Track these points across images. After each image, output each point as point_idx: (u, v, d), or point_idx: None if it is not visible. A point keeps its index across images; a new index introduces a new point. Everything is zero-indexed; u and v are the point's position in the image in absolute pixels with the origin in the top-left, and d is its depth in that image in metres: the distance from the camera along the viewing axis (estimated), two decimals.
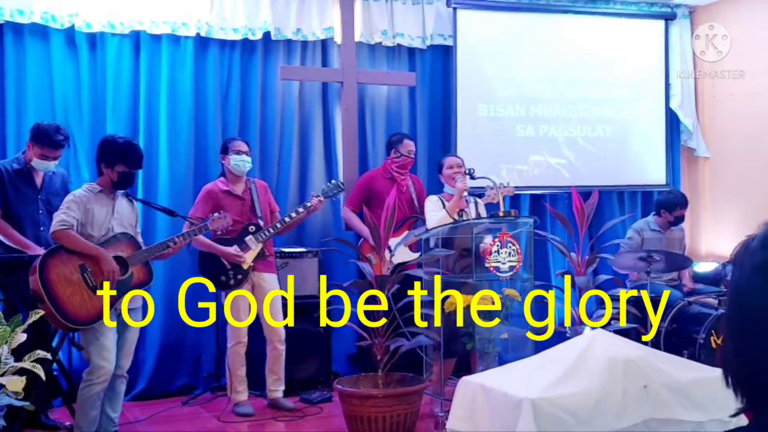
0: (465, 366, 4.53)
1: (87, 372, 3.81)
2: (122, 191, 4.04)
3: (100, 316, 3.75)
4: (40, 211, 4.41)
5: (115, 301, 3.82)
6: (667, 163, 6.81)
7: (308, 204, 4.84)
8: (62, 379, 4.62)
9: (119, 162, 3.91)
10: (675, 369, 3.28)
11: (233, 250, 4.70)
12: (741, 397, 1.12)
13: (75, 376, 4.69)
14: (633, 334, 4.73)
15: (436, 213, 4.75)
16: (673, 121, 6.82)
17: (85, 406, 3.79)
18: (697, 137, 6.83)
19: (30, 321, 2.71)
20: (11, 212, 4.35)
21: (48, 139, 4.29)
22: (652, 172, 6.79)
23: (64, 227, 3.76)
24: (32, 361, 2.65)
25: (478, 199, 4.98)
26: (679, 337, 5.29)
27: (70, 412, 4.31)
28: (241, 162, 4.81)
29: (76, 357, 5.02)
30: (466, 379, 3.25)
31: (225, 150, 4.87)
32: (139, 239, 4.12)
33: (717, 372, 3.28)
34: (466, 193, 4.77)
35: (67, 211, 3.80)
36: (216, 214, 4.34)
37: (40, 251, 4.13)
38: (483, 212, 4.87)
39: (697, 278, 6.11)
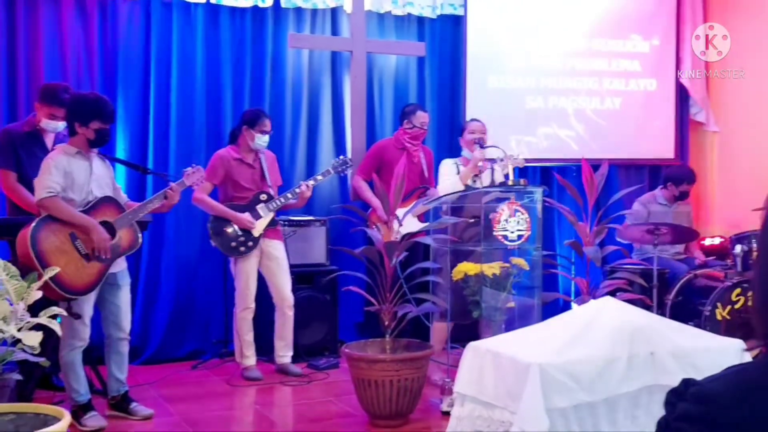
0: (473, 335, 4.56)
1: (65, 337, 3.74)
2: (97, 151, 3.93)
3: (97, 284, 3.73)
4: None
5: (106, 269, 3.79)
6: (676, 137, 6.80)
7: (296, 190, 4.84)
8: None
9: (94, 118, 3.77)
10: (681, 336, 3.30)
11: (246, 216, 4.73)
12: (764, 334, 1.16)
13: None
14: (639, 305, 4.75)
15: (448, 178, 4.75)
16: (682, 95, 6.79)
17: (72, 368, 3.79)
18: (707, 111, 6.80)
19: (46, 277, 2.73)
20: (23, 174, 4.37)
21: (55, 97, 4.28)
22: (661, 146, 6.78)
23: (52, 194, 3.64)
24: (48, 317, 2.68)
25: (496, 166, 4.94)
26: (685, 310, 5.32)
27: None
28: (264, 142, 4.86)
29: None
30: (474, 344, 3.28)
31: (252, 124, 4.83)
32: (122, 196, 4.05)
33: (723, 340, 3.33)
34: (481, 163, 4.78)
35: (49, 176, 3.66)
36: (190, 168, 4.22)
37: None
38: (500, 177, 4.81)
39: (704, 252, 6.13)
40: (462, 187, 4.65)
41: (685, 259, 5.94)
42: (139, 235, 3.99)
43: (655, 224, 5.26)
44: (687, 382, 1.26)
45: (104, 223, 3.81)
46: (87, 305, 3.77)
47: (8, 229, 4.12)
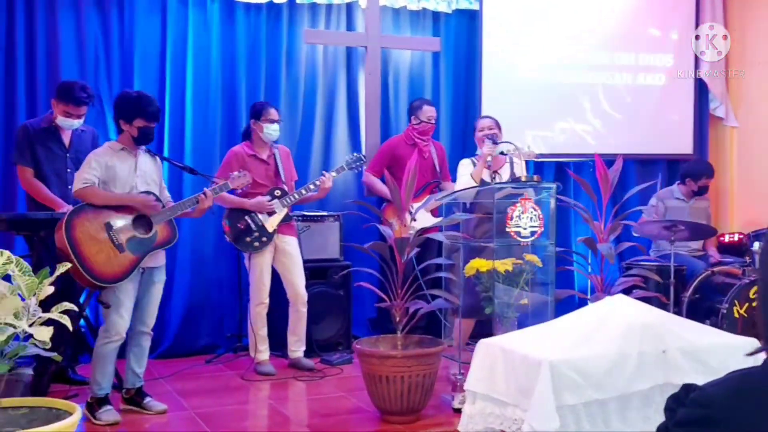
0: (487, 332, 4.56)
1: (104, 329, 3.85)
2: (145, 148, 4.03)
3: (125, 275, 3.79)
4: (68, 169, 4.46)
5: (138, 262, 3.85)
6: (695, 132, 6.72)
7: (317, 182, 4.87)
8: (89, 335, 4.74)
9: (137, 116, 3.87)
10: (693, 334, 3.27)
11: (262, 198, 4.74)
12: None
13: None
14: (655, 302, 4.71)
15: (464, 177, 4.74)
16: (701, 90, 6.72)
17: (103, 362, 3.84)
18: (726, 106, 6.72)
19: (57, 273, 2.76)
20: (40, 170, 4.42)
21: (71, 96, 4.33)
22: (679, 141, 6.71)
23: (87, 185, 3.76)
24: (60, 312, 2.70)
25: (516, 160, 4.89)
26: (702, 307, 5.27)
27: None
28: (273, 131, 4.86)
29: (102, 314, 5.13)
30: (485, 341, 3.27)
31: (258, 115, 4.87)
32: (165, 194, 4.12)
33: (735, 338, 3.30)
34: (490, 158, 4.75)
35: (88, 170, 3.79)
36: (236, 173, 4.35)
37: (69, 208, 4.20)
38: (520, 171, 4.77)
39: (722, 249, 6.07)
40: (475, 184, 4.63)
41: (702, 255, 5.88)
42: (176, 231, 4.05)
43: (672, 221, 5.21)
44: (687, 388, 1.25)
45: (141, 217, 3.89)
46: (124, 296, 3.83)
47: (26, 224, 4.17)
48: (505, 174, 4.82)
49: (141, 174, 3.95)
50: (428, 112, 5.39)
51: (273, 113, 4.88)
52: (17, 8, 5.01)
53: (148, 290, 3.99)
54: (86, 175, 3.78)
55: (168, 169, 5.13)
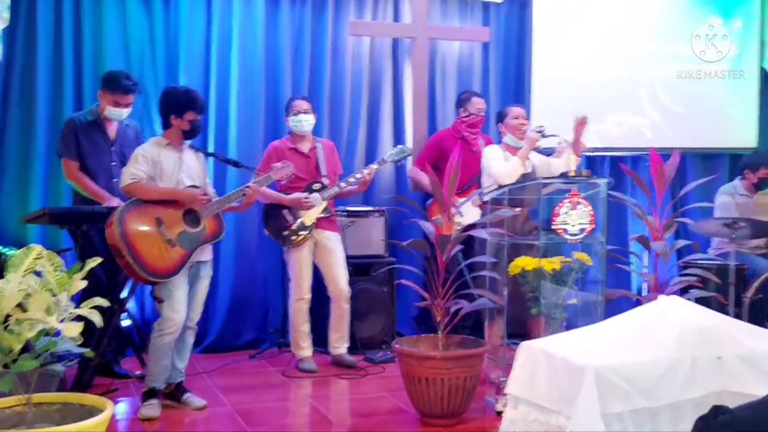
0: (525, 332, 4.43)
1: (158, 323, 3.86)
2: (188, 143, 4.02)
3: (178, 269, 3.79)
4: (113, 162, 4.47)
5: (188, 256, 3.84)
6: (760, 125, 6.41)
7: (358, 176, 4.78)
8: (134, 329, 4.76)
9: (188, 109, 3.88)
10: (752, 339, 3.07)
11: (300, 194, 4.68)
12: None
13: (146, 327, 4.82)
14: (713, 303, 4.49)
15: (501, 161, 4.57)
16: (766, 80, 6.40)
17: (157, 355, 3.86)
18: None
19: (88, 269, 2.73)
20: (86, 163, 4.44)
21: (118, 84, 4.34)
22: (742, 134, 6.41)
23: (135, 180, 3.77)
24: (90, 308, 2.68)
25: (564, 154, 4.72)
26: (765, 309, 5.02)
27: (140, 363, 4.44)
28: (298, 123, 4.79)
29: (149, 309, 5.16)
30: (527, 344, 3.13)
31: (286, 111, 4.88)
32: (210, 189, 4.11)
33: None
34: (538, 142, 4.60)
35: (135, 165, 3.80)
36: (279, 164, 4.31)
37: (115, 202, 4.21)
38: (567, 166, 4.61)
39: None
40: (523, 170, 4.48)
41: (766, 253, 5.59)
42: (224, 224, 4.04)
43: (733, 218, 4.95)
44: (717, 410, 1.12)
45: (190, 211, 3.89)
46: (177, 291, 3.83)
47: (69, 218, 4.20)
48: (562, 166, 4.64)
49: (186, 169, 3.95)
50: (477, 104, 5.25)
51: (298, 104, 4.82)
52: (65, 3, 5.05)
53: (194, 285, 3.98)
54: (134, 171, 3.79)
55: (213, 165, 5.13)
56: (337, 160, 5.03)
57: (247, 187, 4.06)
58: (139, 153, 3.86)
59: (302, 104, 4.83)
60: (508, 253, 4.00)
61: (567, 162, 4.43)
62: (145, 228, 3.75)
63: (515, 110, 4.78)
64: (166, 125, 3.96)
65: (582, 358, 2.85)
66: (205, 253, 4.00)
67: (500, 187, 4.27)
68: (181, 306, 3.85)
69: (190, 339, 4.05)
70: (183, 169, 3.93)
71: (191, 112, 3.90)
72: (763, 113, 6.43)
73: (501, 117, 4.83)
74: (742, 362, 2.94)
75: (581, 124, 4.59)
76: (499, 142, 4.87)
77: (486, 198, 4.31)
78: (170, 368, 3.95)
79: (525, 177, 4.50)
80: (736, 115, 6.37)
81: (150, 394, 3.88)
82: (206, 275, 4.04)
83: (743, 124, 6.39)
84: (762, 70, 6.36)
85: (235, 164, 4.35)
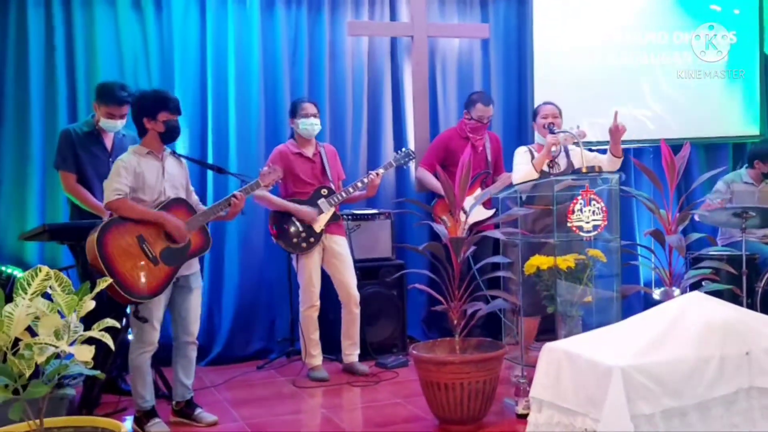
0: (550, 328, 4.35)
1: (135, 341, 3.71)
2: (169, 150, 3.86)
3: (163, 288, 3.65)
4: None
5: (174, 273, 3.70)
6: (762, 113, 6.35)
7: (365, 180, 4.70)
8: None
9: (160, 110, 3.70)
10: None
11: (307, 208, 4.59)
12: None
13: None
14: (727, 295, 4.42)
15: (522, 166, 4.50)
16: None
17: (141, 374, 3.72)
18: None
19: (98, 289, 2.64)
20: (84, 175, 4.34)
21: (112, 95, 4.23)
22: (745, 123, 6.36)
23: (120, 196, 3.59)
24: (101, 330, 2.58)
25: (575, 147, 4.63)
26: None
27: None
28: (309, 126, 4.68)
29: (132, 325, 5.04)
30: (550, 346, 3.06)
31: (293, 113, 4.73)
32: (194, 198, 3.97)
33: None
34: (554, 148, 4.51)
35: (118, 179, 3.60)
36: (266, 168, 4.16)
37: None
38: (579, 162, 4.51)
39: None
40: (536, 175, 4.39)
41: None
42: (210, 237, 3.90)
43: (743, 207, 4.88)
44: None
45: None
46: (156, 309, 3.70)
47: (69, 234, 4.09)
48: (562, 163, 4.58)
49: (170, 178, 3.79)
50: (480, 111, 5.16)
51: (307, 107, 4.70)
52: (55, 13, 4.94)
53: (186, 298, 3.84)
54: (117, 185, 3.61)
55: (201, 171, 5.01)
56: (339, 164, 4.94)
57: (234, 196, 3.92)
58: (120, 165, 3.65)
59: (311, 107, 4.72)
60: (523, 251, 3.92)
61: (581, 157, 4.32)
62: (126, 247, 3.58)
63: (545, 109, 4.68)
64: (142, 132, 3.78)
65: (608, 358, 2.78)
66: (191, 266, 3.85)
67: (511, 186, 4.19)
68: (158, 323, 3.71)
69: (193, 354, 3.94)
70: (166, 178, 3.77)
71: (164, 112, 3.71)
72: (766, 100, 6.37)
73: (534, 115, 4.76)
74: None
75: (619, 130, 4.51)
76: (531, 141, 4.79)
77: (501, 196, 4.23)
78: (153, 385, 3.84)
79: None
80: (738, 103, 6.32)
81: (149, 415, 3.75)
82: (197, 287, 3.90)
83: (746, 113, 6.34)
84: (763, 56, 6.30)
85: (219, 170, 4.25)
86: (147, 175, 3.70)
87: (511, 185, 4.21)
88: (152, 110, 3.72)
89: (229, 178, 4.79)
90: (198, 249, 3.83)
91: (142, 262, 3.61)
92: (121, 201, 3.61)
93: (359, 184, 4.71)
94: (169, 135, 3.79)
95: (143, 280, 3.59)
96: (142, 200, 3.70)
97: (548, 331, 4.74)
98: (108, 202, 3.62)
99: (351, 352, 4.77)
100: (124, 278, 3.52)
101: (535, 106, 4.94)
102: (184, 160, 3.99)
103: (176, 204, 3.78)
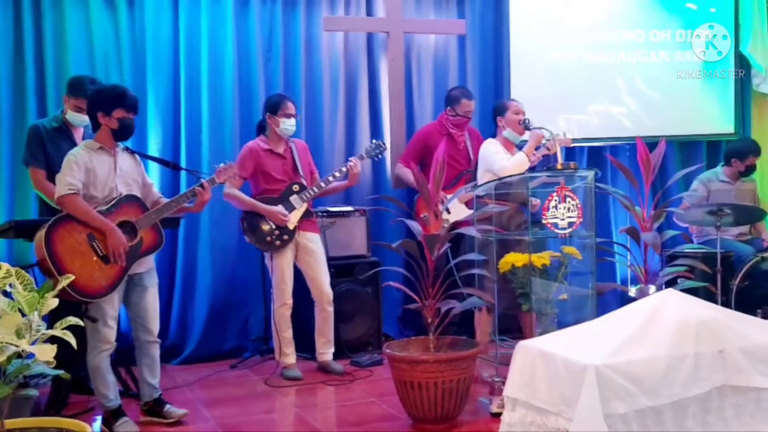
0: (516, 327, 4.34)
1: (92, 341, 3.61)
2: (122, 146, 3.76)
3: (114, 287, 3.56)
4: None
5: (125, 271, 3.61)
6: (737, 111, 6.38)
7: (344, 169, 4.63)
8: None
9: (116, 106, 3.61)
10: (753, 330, 2.99)
11: (279, 209, 4.53)
12: None
13: (122, 339, 4.62)
14: (702, 292, 4.43)
15: (504, 156, 4.47)
16: (742, 65, 6.37)
17: (100, 373, 3.64)
18: None
19: (60, 287, 2.57)
20: (53, 172, 4.24)
21: (81, 89, 4.14)
22: (720, 121, 6.39)
23: (72, 191, 3.49)
24: (63, 329, 2.51)
25: (549, 146, 4.63)
26: (752, 295, 4.98)
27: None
28: (291, 126, 4.62)
29: (124, 320, 4.96)
30: (524, 344, 3.02)
31: (274, 109, 4.61)
32: (153, 192, 3.87)
33: None
34: (545, 141, 4.52)
35: (70, 173, 3.50)
36: (222, 165, 4.03)
37: None
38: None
39: None
40: (529, 165, 4.39)
41: (750, 240, 5.56)
42: (163, 235, 3.79)
43: (718, 205, 4.89)
44: None
45: (125, 223, 3.64)
46: (108, 307, 3.59)
47: (35, 231, 3.98)
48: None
49: (121, 174, 3.68)
50: (466, 106, 5.14)
51: (290, 107, 4.63)
52: (24, 7, 4.84)
53: (142, 297, 3.75)
54: (70, 179, 3.50)
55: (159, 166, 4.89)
56: (310, 159, 4.87)
57: (200, 185, 3.83)
58: (71, 160, 3.54)
59: (293, 107, 4.63)
60: (497, 249, 3.89)
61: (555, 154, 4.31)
62: (75, 245, 3.48)
63: (515, 105, 4.68)
64: (96, 126, 3.68)
65: (582, 357, 2.75)
66: (146, 263, 3.76)
67: (497, 179, 4.15)
68: (114, 322, 3.63)
69: (156, 352, 3.85)
70: (118, 174, 3.67)
71: (120, 109, 3.61)
72: (740, 98, 6.40)
73: (500, 111, 4.72)
74: (746, 355, 2.86)
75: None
76: (494, 135, 4.76)
77: (482, 193, 4.19)
78: (116, 383, 3.77)
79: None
80: (713, 101, 6.35)
81: (116, 414, 3.68)
82: (152, 284, 3.80)
83: (721, 110, 6.37)
84: (738, 54, 6.32)
85: (175, 167, 4.16)
86: (98, 170, 3.60)
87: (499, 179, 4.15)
88: (108, 106, 3.63)
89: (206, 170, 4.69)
90: (150, 247, 3.73)
91: (92, 261, 3.51)
92: (72, 198, 3.51)
93: (337, 174, 4.64)
94: (122, 133, 3.69)
95: (93, 278, 3.50)
96: (94, 196, 3.60)
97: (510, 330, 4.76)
98: (60, 196, 3.52)
99: (325, 350, 4.72)
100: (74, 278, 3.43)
101: (509, 101, 4.89)
102: (138, 157, 3.89)
103: (129, 201, 3.69)
